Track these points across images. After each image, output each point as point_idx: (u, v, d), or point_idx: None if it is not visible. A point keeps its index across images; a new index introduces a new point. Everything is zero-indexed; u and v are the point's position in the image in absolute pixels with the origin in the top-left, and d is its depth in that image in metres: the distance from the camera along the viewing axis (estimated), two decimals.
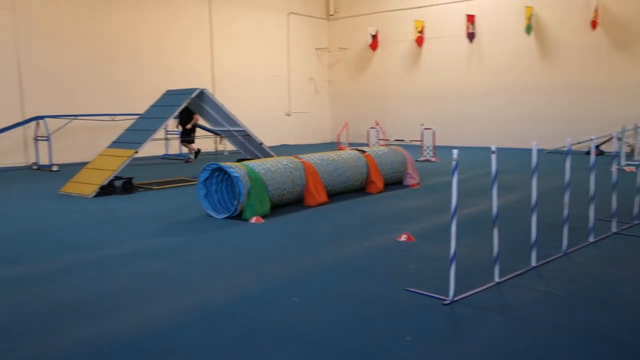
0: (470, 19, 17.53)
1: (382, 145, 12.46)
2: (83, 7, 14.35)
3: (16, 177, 11.56)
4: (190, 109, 12.30)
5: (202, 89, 10.63)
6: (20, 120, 12.96)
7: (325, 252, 5.47)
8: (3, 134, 12.44)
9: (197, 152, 14.39)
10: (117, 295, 4.26)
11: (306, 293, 4.26)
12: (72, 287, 4.47)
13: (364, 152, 9.08)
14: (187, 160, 14.10)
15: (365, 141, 16.18)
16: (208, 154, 15.24)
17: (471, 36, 17.68)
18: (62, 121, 13.06)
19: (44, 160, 12.82)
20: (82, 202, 8.31)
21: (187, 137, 13.88)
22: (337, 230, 6.54)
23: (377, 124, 16.81)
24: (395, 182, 9.49)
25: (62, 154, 13.22)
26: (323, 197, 7.94)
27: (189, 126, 13.57)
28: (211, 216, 7.11)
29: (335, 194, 8.42)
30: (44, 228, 6.65)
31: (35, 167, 12.95)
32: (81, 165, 10.40)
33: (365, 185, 8.90)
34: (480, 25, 17.52)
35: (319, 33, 21.13)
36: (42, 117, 12.71)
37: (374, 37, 19.85)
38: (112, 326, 3.64)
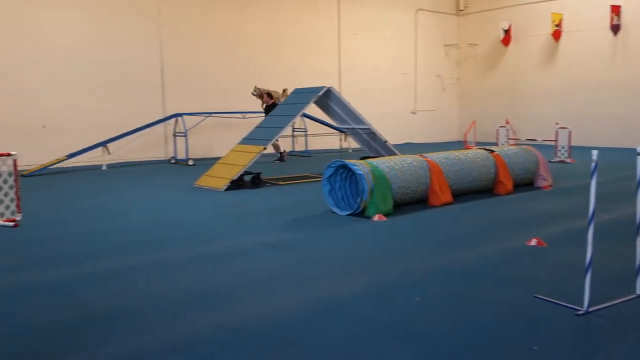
0: (616, 9, 16.17)
1: (512, 144, 11.87)
2: (220, 10, 15.20)
3: (156, 170, 12.51)
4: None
5: (329, 87, 10.80)
6: (161, 117, 14.04)
7: (449, 253, 5.31)
8: (147, 130, 13.51)
9: (282, 154, 14.03)
10: (242, 286, 4.43)
11: (428, 293, 4.15)
12: (202, 275, 4.72)
13: (492, 151, 8.70)
14: (281, 158, 13.87)
15: (494, 140, 15.53)
16: (332, 151, 15.46)
17: (616, 28, 16.30)
18: (198, 118, 13.92)
19: (181, 155, 13.77)
20: (214, 195, 8.79)
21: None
22: (461, 231, 6.32)
23: (507, 123, 16.08)
24: (525, 184, 9.00)
25: (197, 149, 14.12)
26: (448, 196, 7.73)
27: None
28: (334, 212, 7.19)
29: (461, 194, 8.15)
30: (180, 218, 7.10)
31: (173, 161, 13.95)
32: (214, 160, 11.01)
33: (492, 186, 8.53)
34: (626, 17, 16.09)
35: (448, 29, 20.62)
36: (180, 115, 13.65)
37: (507, 31, 18.99)
38: (237, 315, 3.78)
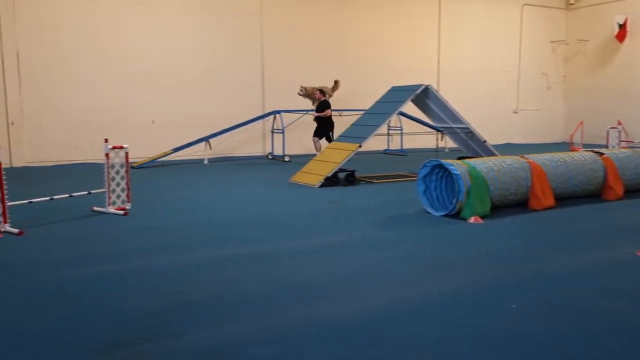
0: None
1: (624, 147, 11.08)
2: (320, 9, 15.39)
3: (254, 165, 12.89)
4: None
5: (427, 85, 10.62)
6: (260, 114, 14.45)
7: (548, 259, 5.04)
8: (246, 127, 13.95)
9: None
10: (333, 282, 4.46)
11: (524, 299, 3.97)
12: (295, 269, 4.80)
13: (601, 154, 8.17)
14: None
15: (603, 142, 14.57)
16: (428, 150, 15.20)
17: None
18: (295, 116, 14.18)
19: (277, 151, 14.09)
20: (308, 191, 8.92)
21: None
22: (563, 237, 5.99)
23: (619, 124, 15.01)
24: (638, 190, 8.37)
25: (293, 146, 14.39)
26: (550, 200, 7.35)
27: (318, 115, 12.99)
28: (428, 213, 7.06)
29: (564, 198, 7.72)
30: (275, 213, 7.27)
31: (270, 157, 14.32)
32: (309, 157, 11.18)
33: (600, 191, 8.01)
34: None
35: (556, 24, 19.58)
36: (278, 112, 13.97)
37: (622, 26, 17.73)
38: (327, 310, 3.82)
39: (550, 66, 19.67)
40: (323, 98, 12.98)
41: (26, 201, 6.69)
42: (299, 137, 14.71)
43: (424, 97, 10.94)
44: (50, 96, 12.53)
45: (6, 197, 6.15)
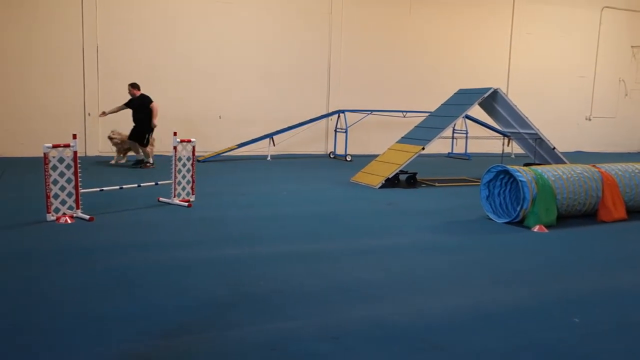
0: None
1: None
2: (389, 10, 15.29)
3: (316, 164, 12.96)
4: (148, 100, 11.09)
5: (496, 89, 10.36)
6: (325, 113, 14.52)
7: (617, 274, 4.82)
8: (310, 125, 14.05)
9: (140, 161, 11.37)
10: (390, 284, 4.43)
11: (589, 315, 3.82)
12: (353, 269, 4.80)
13: None
14: (144, 165, 11.18)
15: None
16: (493, 155, 14.82)
17: None
18: (359, 115, 14.16)
19: (340, 151, 14.12)
20: (369, 192, 8.89)
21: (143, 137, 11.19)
22: (635, 251, 5.70)
23: None
24: None
25: (356, 146, 14.38)
26: (621, 212, 7.02)
27: (154, 122, 11.12)
28: (491, 219, 6.90)
29: (638, 212, 7.36)
30: (335, 212, 7.29)
31: (332, 156, 14.36)
32: (371, 157, 11.13)
33: None
34: None
35: (638, 29, 18.63)
36: (342, 111, 13.98)
37: None
38: (383, 311, 3.80)
39: (629, 72, 18.74)
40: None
41: (97, 189, 7.01)
42: (362, 137, 14.68)
43: (492, 100, 10.67)
44: (124, 89, 13.05)
45: (80, 184, 6.47)
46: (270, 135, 13.42)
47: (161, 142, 12.91)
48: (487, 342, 3.35)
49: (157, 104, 11.13)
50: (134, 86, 11.25)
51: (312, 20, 14.59)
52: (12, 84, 12.28)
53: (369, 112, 14.13)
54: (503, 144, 15.71)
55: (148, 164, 11.15)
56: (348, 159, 13.51)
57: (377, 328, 3.50)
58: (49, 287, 4.17)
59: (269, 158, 13.31)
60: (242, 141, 13.25)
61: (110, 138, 11.54)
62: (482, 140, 14.47)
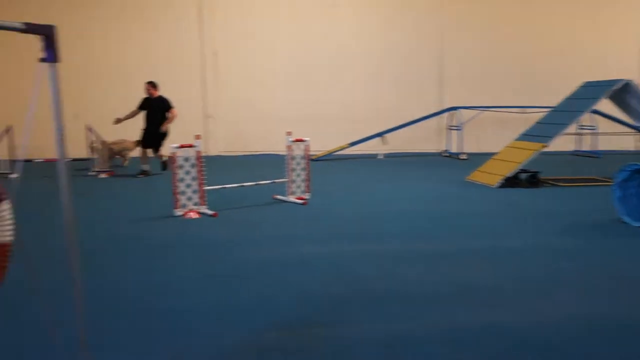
0: None
1: None
2: (502, 2, 14.64)
3: (428, 162, 12.71)
4: (168, 104, 10.00)
5: (628, 80, 9.55)
6: (437, 110, 14.19)
7: None
8: (422, 123, 13.80)
9: (165, 162, 10.28)
10: (509, 287, 4.21)
11: None
12: (469, 270, 4.62)
13: None
14: (142, 174, 10.15)
15: None
16: (627, 153, 13.71)
17: None
18: (473, 112, 13.69)
19: (453, 149, 13.73)
20: (486, 191, 8.55)
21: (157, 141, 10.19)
22: None
23: None
24: None
25: (470, 144, 13.92)
26: None
27: (164, 127, 9.99)
28: (624, 222, 6.35)
29: None
30: (451, 211, 7.09)
31: (445, 155, 14.01)
32: (487, 155, 10.70)
33: None
34: None
35: None
36: (456, 108, 13.60)
37: None
38: (500, 315, 3.62)
39: None
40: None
41: (220, 186, 7.35)
42: (477, 135, 14.19)
43: (624, 93, 9.85)
44: (242, 91, 13.61)
45: (204, 182, 6.82)
46: (382, 134, 13.36)
47: (276, 140, 13.31)
48: (603, 355, 3.07)
49: (176, 111, 10.06)
50: (153, 85, 10.00)
51: (423, 16, 14.33)
52: (140, 90, 13.22)
53: (484, 109, 13.62)
54: (637, 141, 14.46)
55: (146, 173, 10.07)
56: (462, 158, 13.11)
57: (495, 334, 3.34)
58: (172, 276, 4.41)
59: (380, 157, 13.26)
60: (354, 140, 13.30)
61: (91, 147, 10.51)
62: (613, 136, 13.41)
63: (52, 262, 4.41)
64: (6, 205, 2.24)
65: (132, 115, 9.99)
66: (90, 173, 10.22)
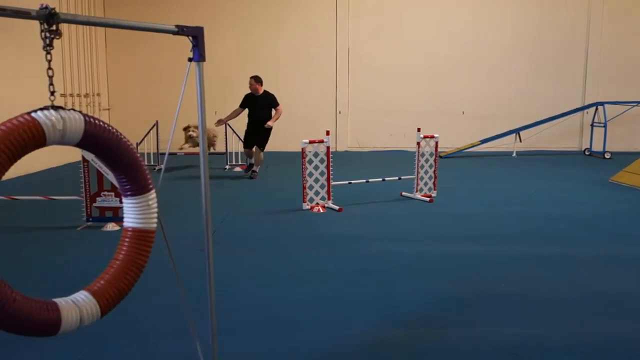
0: None
1: None
2: None
3: (568, 161, 11.92)
4: (274, 100, 9.17)
5: None
6: (579, 106, 13.26)
7: None
8: (561, 119, 12.97)
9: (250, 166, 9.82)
10: None
11: None
12: (608, 278, 4.31)
13: None
14: (252, 175, 9.55)
15: None
16: None
17: None
18: (622, 108, 12.60)
19: (597, 147, 12.74)
20: (633, 194, 7.87)
21: (262, 139, 9.39)
22: None
23: None
24: None
25: (616, 142, 12.86)
26: None
27: (271, 123, 9.20)
28: None
29: None
30: (590, 214, 6.64)
31: (587, 153, 13.04)
32: (635, 155, 9.83)
33: None
34: None
35: None
36: (601, 104, 12.60)
37: None
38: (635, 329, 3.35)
39: None
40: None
41: (346, 182, 7.49)
42: (624, 132, 13.07)
43: None
44: (372, 87, 13.68)
45: (331, 177, 6.98)
46: (516, 131, 12.75)
47: (404, 137, 13.23)
48: None
49: (282, 108, 9.38)
50: (259, 80, 9.15)
51: (562, 4, 13.42)
52: (276, 86, 13.77)
53: (635, 104, 12.48)
54: None
55: (255, 173, 9.54)
56: (607, 157, 12.15)
57: (630, 349, 3.08)
58: (298, 268, 4.59)
59: (514, 155, 12.67)
60: (486, 137, 12.84)
61: (189, 136, 9.98)
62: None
63: (189, 250, 4.79)
64: (153, 195, 2.47)
65: (235, 114, 9.41)
66: (225, 166, 10.85)
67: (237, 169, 10.72)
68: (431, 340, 3.22)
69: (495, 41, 13.51)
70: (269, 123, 9.04)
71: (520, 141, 12.76)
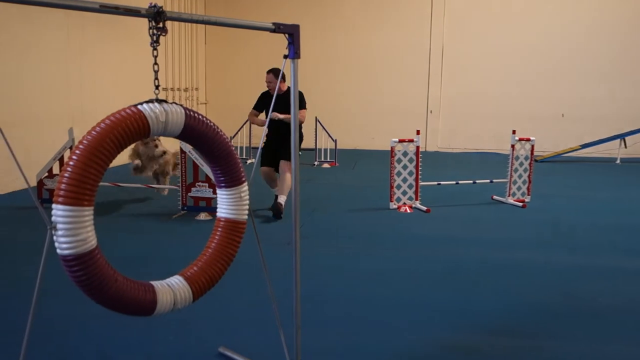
0: None
1: None
2: None
3: None
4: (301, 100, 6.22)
5: None
6: None
7: None
8: None
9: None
10: None
11: None
12: None
13: None
14: (277, 209, 6.19)
15: None
16: None
17: None
18: None
19: None
20: None
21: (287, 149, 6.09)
22: None
23: None
24: None
25: None
26: None
27: (281, 116, 6.17)
28: None
29: None
30: None
31: None
32: None
33: None
34: None
35: None
36: None
37: None
38: None
39: None
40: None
41: (435, 183, 7.36)
42: None
43: None
44: (465, 87, 13.35)
45: (420, 177, 6.89)
46: (622, 136, 11.96)
47: (497, 139, 12.80)
48: None
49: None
50: (278, 74, 5.76)
51: None
52: (366, 85, 13.78)
53: None
54: None
55: (282, 208, 6.19)
56: None
57: None
58: (380, 267, 4.56)
59: (618, 161, 11.90)
60: (587, 141, 12.16)
61: (136, 166, 6.49)
62: None
63: (276, 244, 4.90)
64: (245, 187, 2.55)
65: (260, 120, 6.52)
66: (314, 162, 10.99)
67: (326, 165, 10.83)
68: (518, 351, 3.10)
69: (601, 43, 12.73)
70: (278, 115, 6.10)
71: (626, 147, 11.96)
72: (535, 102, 13.06)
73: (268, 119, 3.34)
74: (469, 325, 3.43)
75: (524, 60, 13.05)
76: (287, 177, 6.14)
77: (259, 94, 6.55)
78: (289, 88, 5.17)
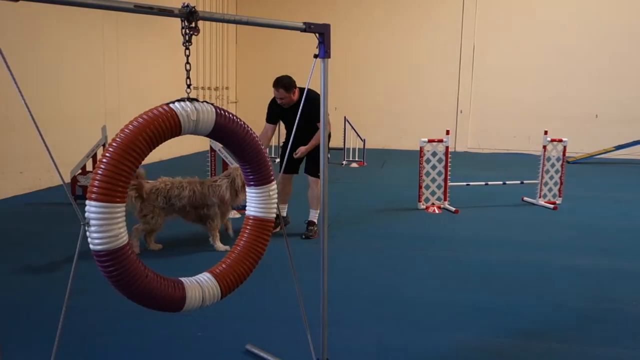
0: None
1: None
2: None
3: None
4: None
5: None
6: None
7: None
8: None
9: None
10: None
11: None
12: None
13: None
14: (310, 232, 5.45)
15: None
16: None
17: None
18: None
19: None
20: None
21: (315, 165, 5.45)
22: None
23: None
24: None
25: None
26: None
27: (304, 149, 5.37)
28: None
29: None
30: None
31: None
32: None
33: None
34: None
35: None
36: None
37: None
38: None
39: None
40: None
41: (464, 183, 7.29)
42: None
43: None
44: (496, 87, 13.17)
45: (449, 178, 6.83)
46: None
47: (528, 139, 12.63)
48: None
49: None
50: (288, 86, 5.27)
51: None
52: (395, 84, 13.70)
53: None
54: None
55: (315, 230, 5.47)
56: None
57: None
58: (410, 266, 4.54)
59: None
60: (621, 143, 11.87)
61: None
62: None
63: (304, 242, 4.91)
64: (273, 186, 2.57)
65: (270, 136, 5.71)
66: (342, 162, 10.99)
67: (354, 164, 10.81)
68: (551, 355, 3.05)
69: (637, 44, 12.42)
70: (302, 150, 5.34)
71: None
72: (569, 103, 12.82)
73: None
74: (501, 326, 3.39)
75: (558, 61, 12.81)
76: (316, 192, 5.35)
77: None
78: (300, 95, 5.24)
